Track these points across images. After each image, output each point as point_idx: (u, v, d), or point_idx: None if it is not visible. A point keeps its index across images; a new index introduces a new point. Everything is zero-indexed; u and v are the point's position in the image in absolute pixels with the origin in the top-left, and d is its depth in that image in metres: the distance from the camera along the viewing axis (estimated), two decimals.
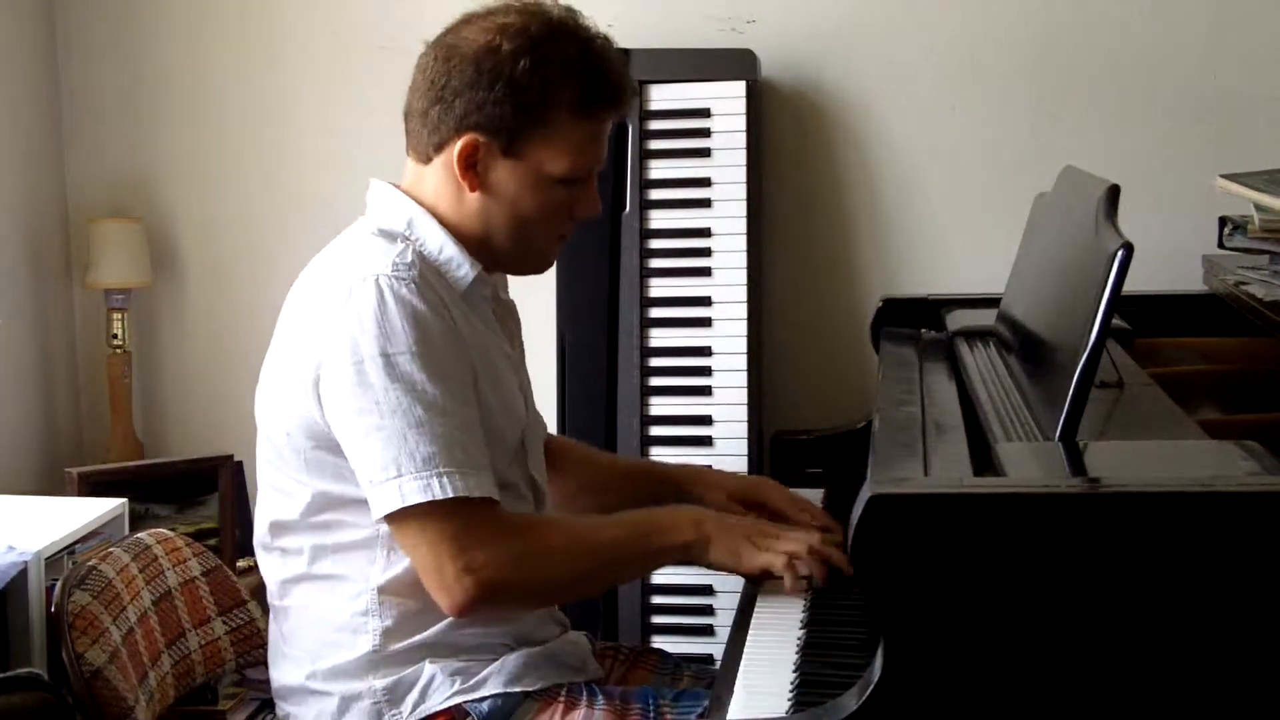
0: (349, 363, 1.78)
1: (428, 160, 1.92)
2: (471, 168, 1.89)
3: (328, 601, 1.90)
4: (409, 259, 1.84)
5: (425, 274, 1.84)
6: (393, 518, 1.78)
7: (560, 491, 2.20)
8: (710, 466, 2.42)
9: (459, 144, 1.87)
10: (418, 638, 1.88)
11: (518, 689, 1.89)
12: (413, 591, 1.86)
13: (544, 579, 1.86)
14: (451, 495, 1.75)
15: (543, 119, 1.87)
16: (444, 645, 1.89)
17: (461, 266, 1.91)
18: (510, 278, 2.10)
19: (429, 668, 1.88)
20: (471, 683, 1.88)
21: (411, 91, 1.93)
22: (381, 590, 1.87)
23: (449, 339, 1.82)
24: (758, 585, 1.97)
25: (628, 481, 2.28)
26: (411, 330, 1.78)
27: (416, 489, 1.75)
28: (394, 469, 1.76)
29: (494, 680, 1.88)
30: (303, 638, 1.94)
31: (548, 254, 2.01)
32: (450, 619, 1.87)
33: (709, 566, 1.95)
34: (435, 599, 1.81)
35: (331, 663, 1.90)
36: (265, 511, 1.96)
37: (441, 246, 1.90)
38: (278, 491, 1.93)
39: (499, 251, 1.95)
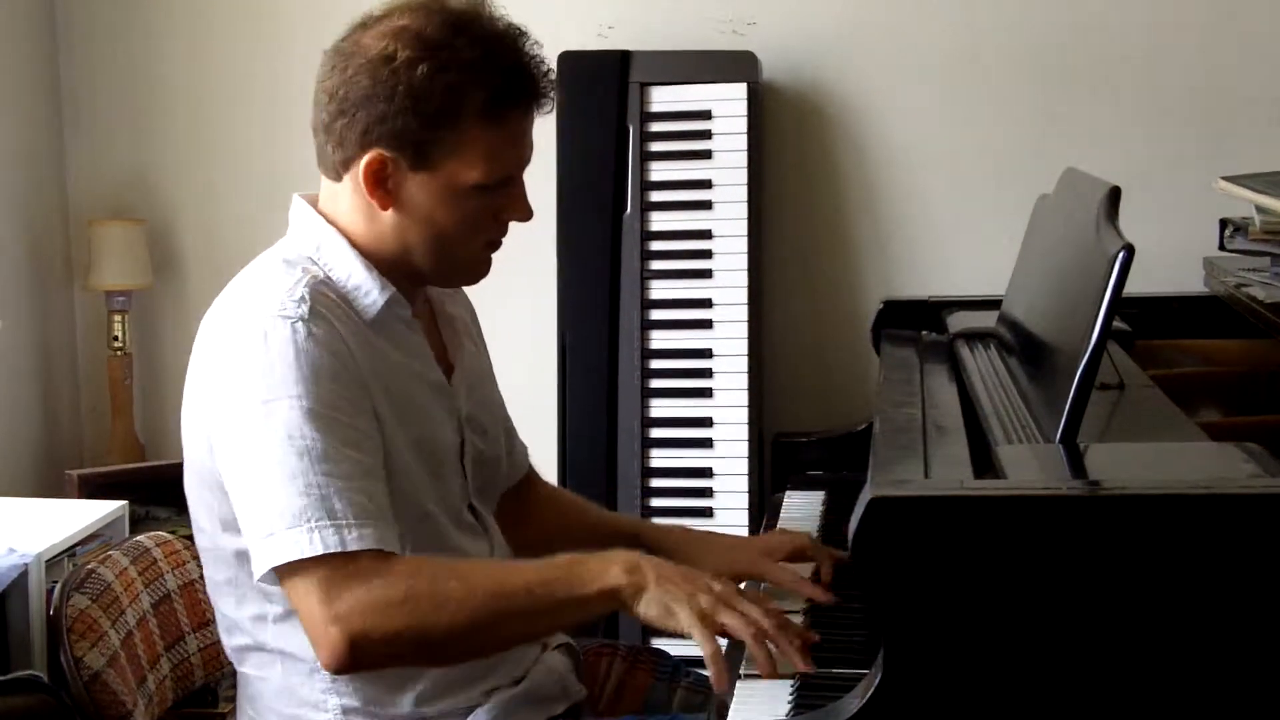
0: (231, 411, 1.67)
1: (338, 177, 1.77)
2: (381, 185, 1.73)
3: (280, 675, 1.78)
4: (299, 294, 1.70)
5: (320, 308, 1.70)
6: (280, 577, 1.64)
7: (538, 541, 2.01)
8: (713, 533, 2.16)
9: (364, 161, 1.72)
10: (385, 710, 1.76)
11: None
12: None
13: (426, 626, 1.63)
14: (322, 551, 1.60)
15: (450, 128, 1.71)
16: (410, 716, 1.77)
17: (370, 294, 1.76)
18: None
19: None
20: None
21: (314, 104, 1.77)
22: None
23: (339, 380, 1.68)
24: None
25: (612, 540, 1.92)
26: (294, 374, 1.64)
27: (287, 544, 1.61)
28: (267, 525, 1.62)
29: None
30: (265, 709, 1.82)
31: (477, 264, 1.83)
32: (414, 693, 1.76)
33: (639, 619, 1.69)
34: (317, 658, 1.65)
35: None
36: (207, 572, 1.85)
37: (350, 273, 1.76)
38: (207, 554, 1.82)
39: (422, 268, 1.80)
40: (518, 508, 2.07)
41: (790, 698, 1.61)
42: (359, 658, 1.62)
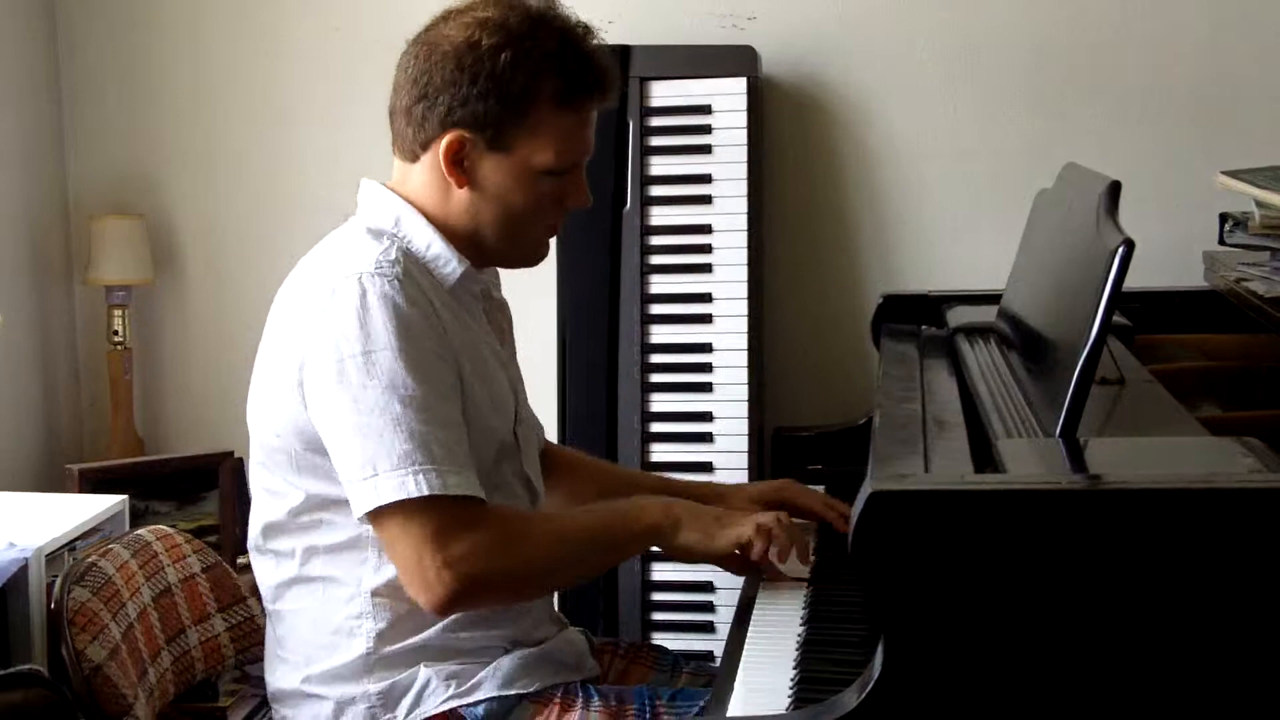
0: (331, 361, 1.78)
1: (414, 158, 1.92)
2: (458, 164, 1.88)
3: (321, 604, 1.90)
4: (393, 256, 1.84)
5: (411, 270, 1.84)
6: (374, 517, 1.78)
7: (566, 502, 2.19)
8: (723, 484, 2.38)
9: (444, 141, 1.87)
10: (412, 641, 1.88)
11: (513, 691, 1.88)
12: (404, 595, 1.85)
13: (521, 569, 1.84)
14: (427, 493, 1.74)
15: (526, 112, 1.86)
16: (439, 649, 1.89)
17: (449, 263, 1.90)
18: (504, 273, 2.10)
19: (424, 671, 1.87)
20: (466, 686, 1.87)
21: (394, 90, 1.93)
22: (374, 593, 1.86)
23: (433, 336, 1.82)
24: (732, 571, 2.01)
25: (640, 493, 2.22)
26: (393, 327, 1.78)
27: (392, 487, 1.74)
28: (370, 467, 1.75)
29: (489, 683, 1.88)
30: (297, 641, 1.93)
31: (539, 247, 2.00)
32: (444, 621, 1.87)
33: (679, 551, 1.95)
34: (415, 597, 1.80)
35: (326, 666, 1.90)
36: (258, 514, 1.95)
37: (429, 243, 1.90)
38: (268, 493, 1.92)
39: (489, 246, 1.94)
40: (557, 473, 2.22)
41: (790, 693, 1.62)
42: (467, 598, 1.80)
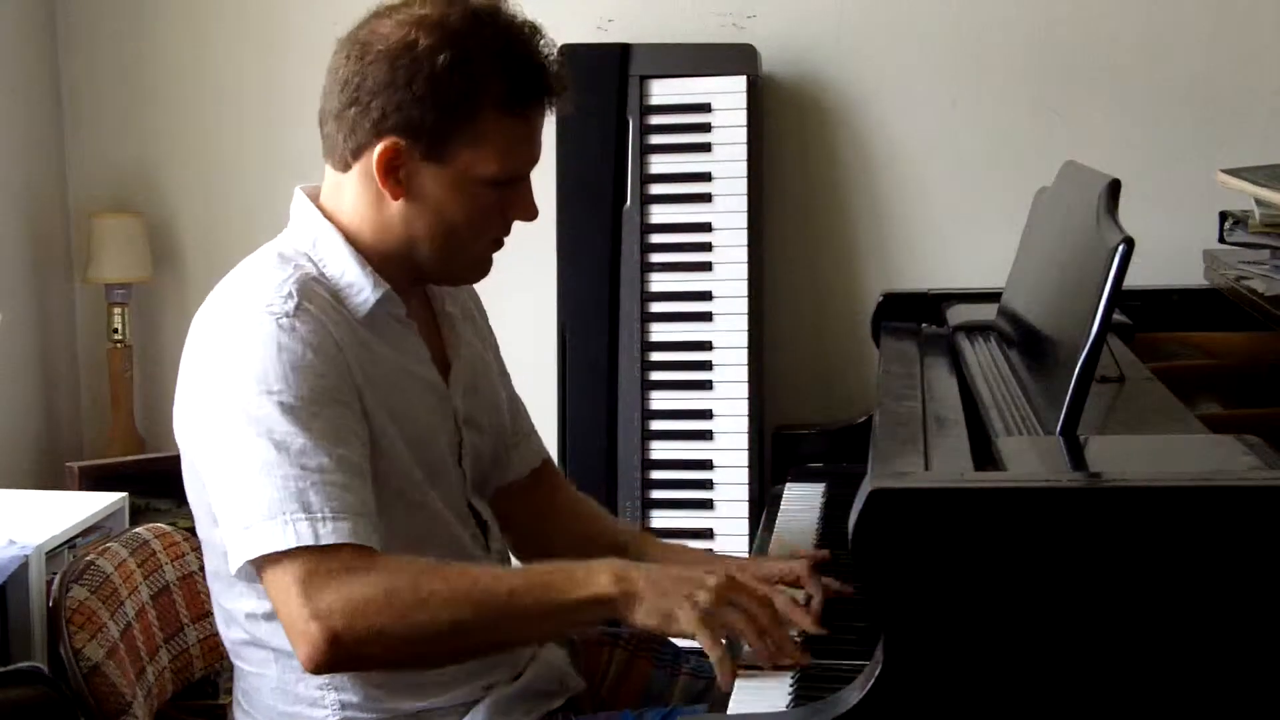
0: (211, 406, 1.67)
1: (345, 167, 1.77)
2: (393, 174, 1.72)
3: (276, 672, 1.78)
4: (286, 290, 1.69)
5: (309, 304, 1.69)
6: (257, 570, 1.64)
7: (553, 546, 1.98)
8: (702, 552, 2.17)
9: (378, 149, 1.71)
10: (383, 705, 1.76)
11: None
12: None
13: (406, 626, 1.61)
14: (295, 544, 1.60)
15: (467, 118, 1.70)
16: (409, 712, 1.77)
17: (362, 291, 1.75)
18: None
19: None
20: None
21: (324, 93, 1.77)
22: None
23: (324, 376, 1.67)
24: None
25: (608, 551, 1.91)
26: (273, 369, 1.64)
27: (263, 537, 1.61)
28: (246, 517, 1.62)
29: None
30: (261, 705, 1.82)
31: (481, 261, 1.82)
32: (415, 686, 1.76)
33: (638, 629, 1.68)
34: (296, 653, 1.63)
35: None
36: (208, 566, 1.85)
37: (344, 270, 1.76)
38: (206, 545, 1.82)
39: (425, 262, 1.79)
40: (536, 508, 2.06)
41: (790, 689, 1.62)
42: (339, 656, 1.61)
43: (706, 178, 3.13)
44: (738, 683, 1.62)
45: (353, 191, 1.78)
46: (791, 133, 3.28)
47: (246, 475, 1.63)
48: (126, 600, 2.01)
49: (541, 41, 1.76)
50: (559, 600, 1.65)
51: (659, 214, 3.14)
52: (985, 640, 1.41)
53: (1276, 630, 1.37)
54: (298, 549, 1.60)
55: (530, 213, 1.81)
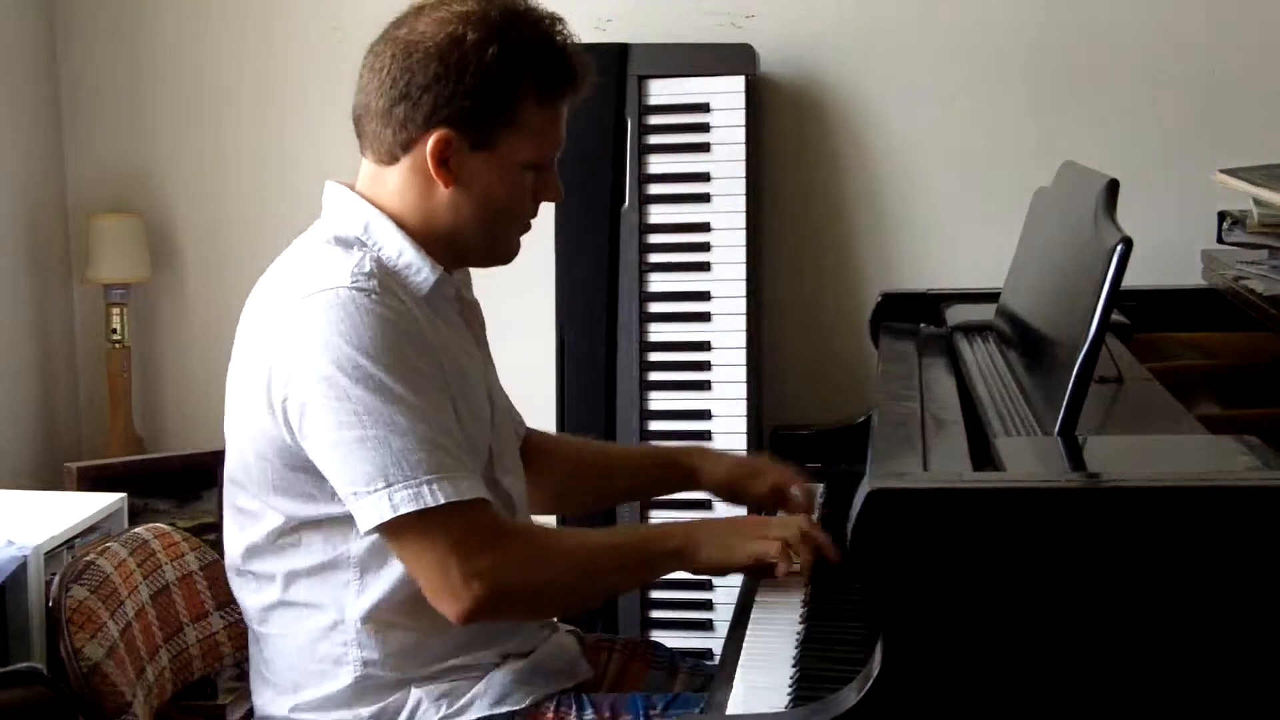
0: (320, 379, 1.72)
1: (392, 161, 1.86)
2: (445, 164, 1.82)
3: (305, 630, 1.85)
4: (368, 268, 1.78)
5: (385, 282, 1.78)
6: (388, 529, 1.73)
7: (551, 487, 2.16)
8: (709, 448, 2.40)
9: (430, 141, 1.81)
10: (403, 664, 1.83)
11: (504, 709, 1.85)
12: (393, 618, 1.82)
13: (549, 583, 1.82)
14: (444, 501, 1.70)
15: (512, 106, 1.81)
16: (428, 670, 1.85)
17: (421, 271, 1.84)
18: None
19: (414, 693, 1.84)
20: (458, 705, 1.84)
21: (365, 92, 1.86)
22: (360, 620, 1.82)
23: (419, 345, 1.78)
24: (755, 579, 1.96)
25: (625, 468, 2.26)
26: (380, 339, 1.72)
27: (406, 498, 1.69)
28: (381, 480, 1.70)
29: (480, 702, 1.85)
30: (284, 666, 1.88)
31: (514, 244, 1.95)
32: (433, 645, 1.84)
33: (702, 570, 1.93)
34: (439, 607, 1.75)
35: (315, 694, 1.85)
36: (235, 535, 1.90)
37: (400, 251, 1.84)
38: (245, 514, 1.88)
39: (468, 245, 1.89)
40: (538, 469, 2.16)
41: (789, 689, 1.62)
42: (490, 611, 1.75)
43: (705, 178, 3.13)
44: (736, 685, 1.63)
45: (396, 183, 1.87)
46: (790, 133, 3.28)
47: (378, 438, 1.71)
48: (126, 600, 2.01)
49: (567, 32, 1.88)
50: (650, 557, 1.91)
51: (657, 214, 3.14)
52: (984, 641, 1.41)
53: (1275, 630, 1.38)
54: (444, 507, 1.70)
55: (557, 194, 1.93)
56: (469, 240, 1.88)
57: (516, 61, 1.81)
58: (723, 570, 1.96)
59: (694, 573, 1.94)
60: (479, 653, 1.87)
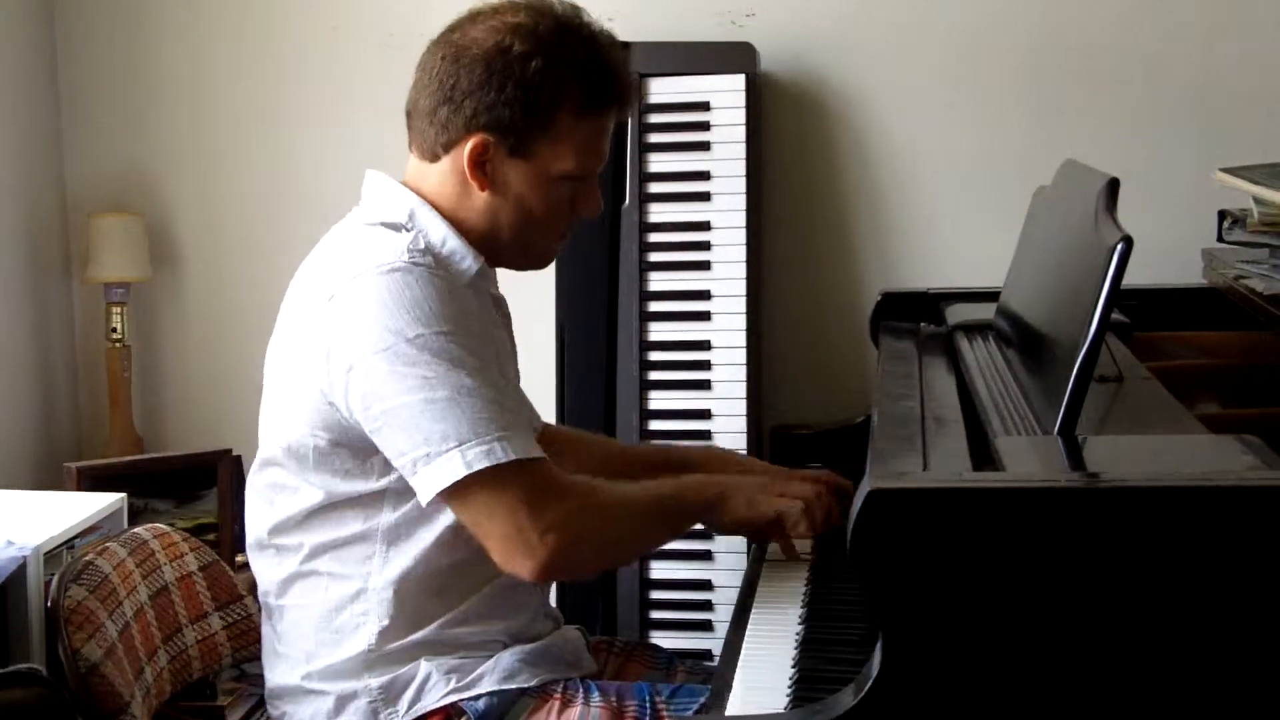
0: (381, 349, 1.77)
1: (434, 159, 1.92)
2: (481, 167, 1.89)
3: (323, 600, 1.90)
4: (421, 245, 1.85)
5: (439, 259, 1.87)
6: (454, 491, 1.76)
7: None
8: (724, 449, 2.48)
9: (469, 145, 1.88)
10: (413, 636, 1.88)
11: (513, 686, 1.89)
12: (409, 589, 1.87)
13: (615, 533, 1.90)
14: (514, 457, 1.75)
15: (550, 119, 1.87)
16: (439, 643, 1.89)
17: (465, 259, 1.91)
18: (503, 270, 2.08)
19: (425, 665, 1.88)
20: (467, 680, 1.88)
21: (416, 89, 1.93)
22: (379, 589, 1.87)
23: (476, 316, 1.86)
24: (768, 540, 2.07)
25: (647, 470, 2.23)
26: (441, 309, 1.78)
27: (479, 454, 1.74)
28: (455, 439, 1.74)
29: (489, 678, 1.88)
30: (298, 637, 1.93)
31: (549, 252, 2.02)
32: (444, 617, 1.89)
33: (728, 527, 2.01)
34: (511, 565, 1.79)
35: (327, 662, 1.90)
36: (264, 513, 1.94)
37: (444, 239, 1.90)
38: (280, 489, 1.91)
39: (503, 248, 1.95)
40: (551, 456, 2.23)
41: (788, 691, 1.62)
42: (568, 560, 1.81)
43: (705, 176, 3.12)
44: (735, 686, 1.62)
45: (437, 180, 1.93)
46: (790, 131, 3.28)
47: (444, 401, 1.75)
48: (125, 600, 2.01)
49: (616, 51, 1.94)
50: (685, 509, 1.98)
51: (657, 213, 3.13)
52: (983, 641, 1.41)
53: (1275, 630, 1.37)
54: (514, 464, 1.75)
55: (595, 208, 1.98)
56: (503, 244, 1.94)
57: (559, 76, 1.86)
58: (749, 526, 2.02)
59: (719, 529, 2.04)
60: (490, 627, 1.92)
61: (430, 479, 1.76)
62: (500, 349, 1.95)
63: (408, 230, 1.89)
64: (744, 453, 3.06)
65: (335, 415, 1.83)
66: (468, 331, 1.80)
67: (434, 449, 1.75)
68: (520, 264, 2.03)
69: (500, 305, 2.07)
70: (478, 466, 1.74)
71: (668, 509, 1.96)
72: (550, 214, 1.93)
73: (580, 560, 1.87)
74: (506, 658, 1.91)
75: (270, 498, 1.93)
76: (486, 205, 1.91)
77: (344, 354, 1.80)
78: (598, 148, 1.94)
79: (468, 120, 1.87)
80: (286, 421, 1.89)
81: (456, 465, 1.74)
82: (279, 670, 1.97)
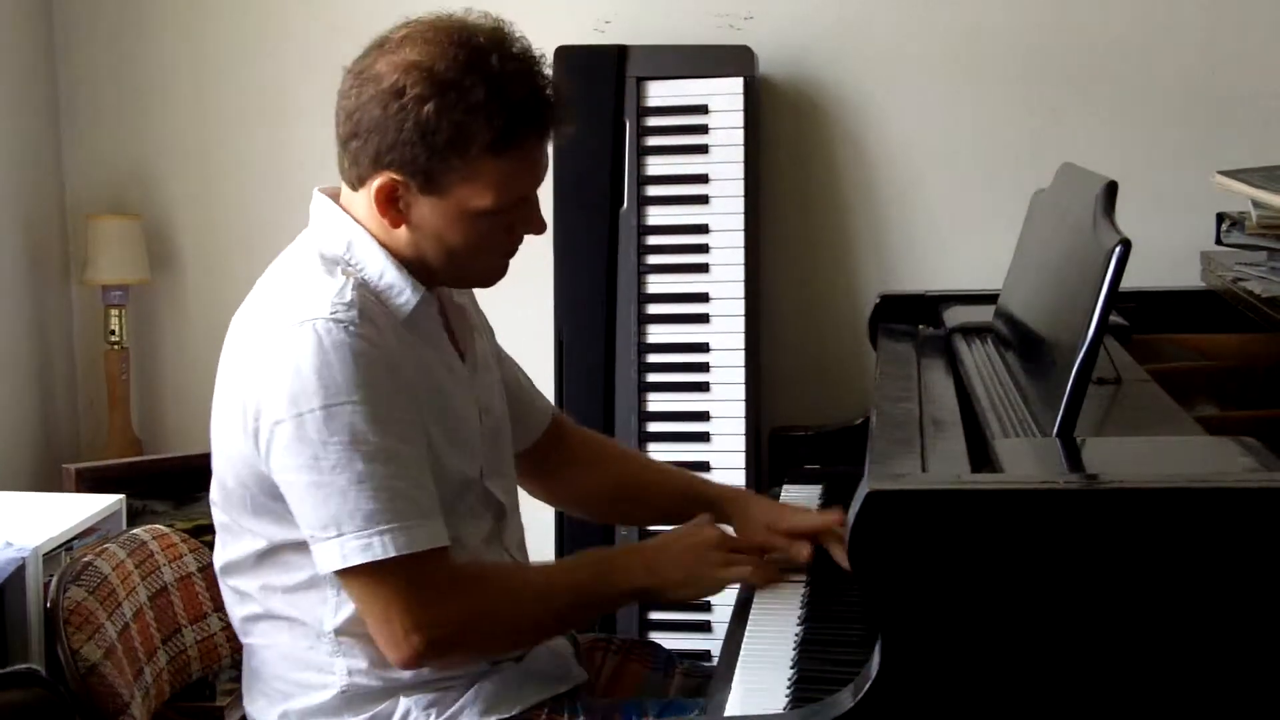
0: (288, 415, 1.71)
1: (355, 188, 1.83)
2: (393, 205, 1.79)
3: (291, 642, 1.85)
4: (348, 296, 1.74)
5: (366, 309, 1.75)
6: (340, 574, 1.73)
7: (584, 494, 2.20)
8: (752, 491, 2.35)
9: (376, 183, 1.78)
10: (387, 673, 1.82)
11: (494, 717, 1.84)
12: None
13: (493, 633, 1.83)
14: (394, 554, 1.69)
15: (460, 157, 1.75)
16: (417, 679, 1.83)
17: (403, 293, 1.81)
18: None
19: (404, 702, 1.83)
20: (447, 714, 1.83)
21: (335, 116, 1.83)
22: (339, 633, 1.81)
23: (393, 381, 1.74)
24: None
25: (663, 500, 2.19)
26: (352, 377, 1.70)
27: (357, 549, 1.69)
28: (335, 527, 1.70)
29: (470, 710, 1.84)
30: (271, 676, 1.88)
31: (492, 272, 1.89)
32: None
33: (673, 604, 1.98)
34: (385, 653, 1.76)
35: (304, 703, 1.85)
36: (219, 550, 1.91)
37: (382, 272, 1.81)
38: (225, 531, 1.88)
39: (438, 276, 1.86)
40: (559, 459, 2.19)
41: (787, 691, 1.62)
42: (436, 658, 1.77)
43: (703, 179, 3.13)
44: (734, 686, 1.63)
45: (367, 209, 1.82)
46: (788, 134, 3.29)
47: (335, 484, 1.70)
48: (124, 601, 2.01)
49: (536, 76, 1.79)
50: (612, 590, 1.90)
51: (656, 216, 3.14)
52: (982, 643, 1.41)
53: (1274, 631, 1.38)
54: (391, 560, 1.70)
55: (538, 228, 1.87)
56: (436, 272, 1.85)
57: (456, 120, 1.73)
58: (696, 599, 2.01)
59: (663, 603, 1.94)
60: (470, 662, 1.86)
61: (317, 558, 1.74)
62: (440, 387, 1.84)
63: (346, 267, 1.80)
64: (744, 457, 3.07)
65: (260, 466, 1.77)
66: (379, 401, 1.71)
67: (316, 533, 1.72)
68: (463, 286, 1.96)
69: (462, 314, 1.98)
70: (353, 561, 1.70)
71: (585, 598, 1.89)
72: (477, 247, 1.82)
73: (451, 658, 1.80)
74: (488, 686, 1.85)
75: (223, 538, 1.89)
76: (408, 240, 1.81)
77: (258, 412, 1.75)
78: (523, 178, 1.81)
79: (374, 158, 1.77)
80: (223, 466, 1.84)
81: (334, 556, 1.71)
82: (259, 706, 1.92)
